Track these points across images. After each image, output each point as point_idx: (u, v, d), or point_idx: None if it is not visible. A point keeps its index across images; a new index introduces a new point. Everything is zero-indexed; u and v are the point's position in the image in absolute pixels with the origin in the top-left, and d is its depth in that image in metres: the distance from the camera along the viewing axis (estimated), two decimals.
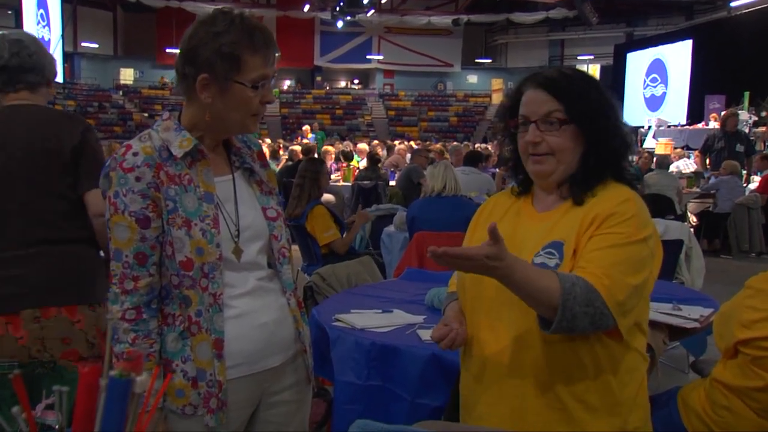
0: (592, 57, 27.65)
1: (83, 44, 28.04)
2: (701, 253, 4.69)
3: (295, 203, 4.48)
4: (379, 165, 9.14)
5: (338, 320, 2.33)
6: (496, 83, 31.27)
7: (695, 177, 9.27)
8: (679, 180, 8.43)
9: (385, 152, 11.94)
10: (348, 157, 10.43)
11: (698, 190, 8.82)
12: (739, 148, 9.15)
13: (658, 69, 21.08)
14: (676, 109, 19.01)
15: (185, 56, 1.42)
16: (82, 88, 28.35)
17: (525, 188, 1.59)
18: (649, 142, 13.69)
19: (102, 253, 2.05)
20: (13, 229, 1.95)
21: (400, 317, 2.41)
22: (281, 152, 11.82)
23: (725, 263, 7.48)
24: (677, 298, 2.60)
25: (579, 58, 27.87)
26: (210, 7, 1.61)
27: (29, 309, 1.89)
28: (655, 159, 9.42)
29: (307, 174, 4.50)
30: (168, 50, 24.49)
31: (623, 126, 1.52)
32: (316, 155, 8.93)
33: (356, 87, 33.19)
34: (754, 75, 14.73)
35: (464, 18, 28.05)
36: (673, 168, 9.64)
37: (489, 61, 32.57)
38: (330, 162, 10.07)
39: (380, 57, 31.57)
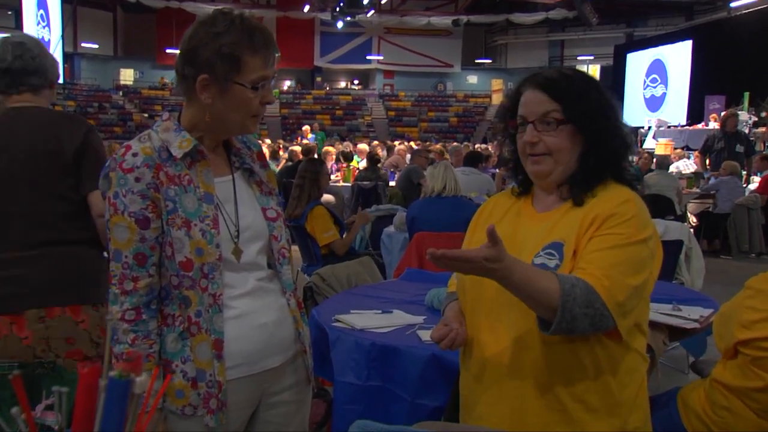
0: (592, 57, 27.67)
1: (83, 45, 28.05)
2: (701, 254, 4.69)
3: (295, 204, 4.48)
4: (379, 165, 9.14)
5: (338, 321, 2.33)
6: (496, 84, 31.28)
7: (695, 177, 9.28)
8: (679, 180, 8.43)
9: (385, 153, 11.94)
10: (348, 157, 10.43)
11: (698, 190, 8.82)
12: (739, 148, 9.15)
13: (658, 69, 21.08)
14: (676, 109, 19.01)
15: (185, 57, 1.42)
16: (82, 88, 28.35)
17: (525, 189, 1.59)
18: (649, 143, 13.70)
19: (106, 254, 2.06)
20: (16, 231, 1.96)
21: (400, 318, 2.41)
22: (281, 153, 11.82)
23: (725, 264, 7.48)
24: (677, 299, 2.61)
25: (579, 58, 27.89)
26: (210, 8, 1.61)
27: (33, 309, 1.90)
28: (655, 159, 9.42)
29: (307, 174, 4.50)
30: (168, 51, 24.50)
31: (623, 126, 1.52)
32: (316, 156, 8.93)
33: (356, 87, 33.19)
34: (754, 75, 14.72)
35: (464, 18, 28.06)
36: (673, 168, 9.64)
37: (489, 61, 32.59)
38: (331, 162, 10.07)
39: (380, 57, 31.58)
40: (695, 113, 16.13)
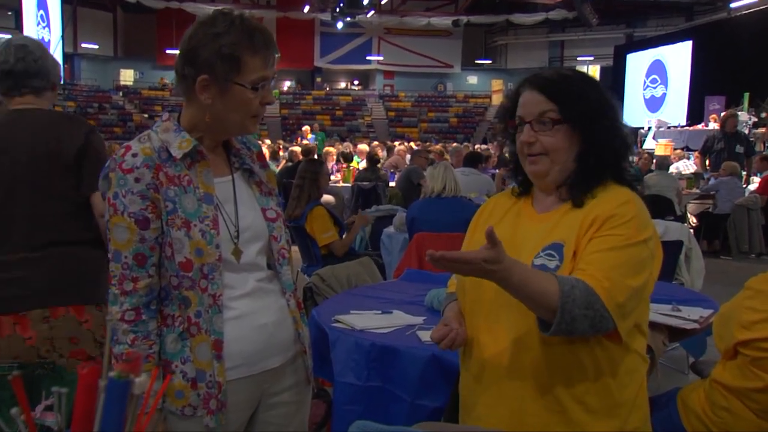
0: (591, 58, 27.67)
1: (83, 45, 28.05)
2: (701, 254, 4.69)
3: (295, 204, 4.48)
4: (379, 166, 9.14)
5: (338, 321, 2.33)
6: (496, 84, 31.29)
7: (695, 178, 9.28)
8: (679, 181, 8.44)
9: (385, 153, 11.93)
10: (347, 158, 10.43)
11: (698, 191, 8.83)
12: (739, 149, 9.16)
13: (658, 70, 21.08)
14: (675, 110, 19.00)
15: (185, 57, 1.42)
16: (82, 89, 28.34)
17: (525, 189, 1.59)
18: (649, 143, 13.70)
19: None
20: (18, 233, 1.97)
21: (399, 318, 2.41)
22: (281, 153, 11.83)
23: (725, 264, 7.48)
24: (677, 299, 2.61)
25: (579, 59, 27.89)
26: (210, 8, 1.62)
27: (38, 309, 1.91)
28: (654, 160, 9.43)
29: (307, 175, 4.51)
30: (168, 51, 24.50)
31: (623, 127, 1.52)
32: (316, 156, 8.93)
33: (356, 88, 33.19)
34: (754, 76, 14.72)
35: (464, 19, 28.05)
36: (672, 169, 9.65)
37: (489, 62, 32.59)
38: (331, 163, 10.07)
39: (380, 58, 31.58)
40: (695, 114, 16.13)
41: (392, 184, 8.50)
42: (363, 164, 9.53)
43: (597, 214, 1.40)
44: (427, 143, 16.48)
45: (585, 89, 1.47)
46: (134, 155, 1.40)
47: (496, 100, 30.36)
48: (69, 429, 0.84)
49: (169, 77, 27.68)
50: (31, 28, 19.30)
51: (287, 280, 1.58)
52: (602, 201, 1.43)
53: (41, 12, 20.96)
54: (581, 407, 1.40)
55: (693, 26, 22.23)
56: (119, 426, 0.82)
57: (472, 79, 33.13)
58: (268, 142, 14.55)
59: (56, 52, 19.27)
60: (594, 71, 25.34)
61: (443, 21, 28.27)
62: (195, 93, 1.42)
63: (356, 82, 33.52)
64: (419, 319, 2.38)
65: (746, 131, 11.11)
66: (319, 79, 32.48)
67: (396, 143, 14.18)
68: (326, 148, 11.54)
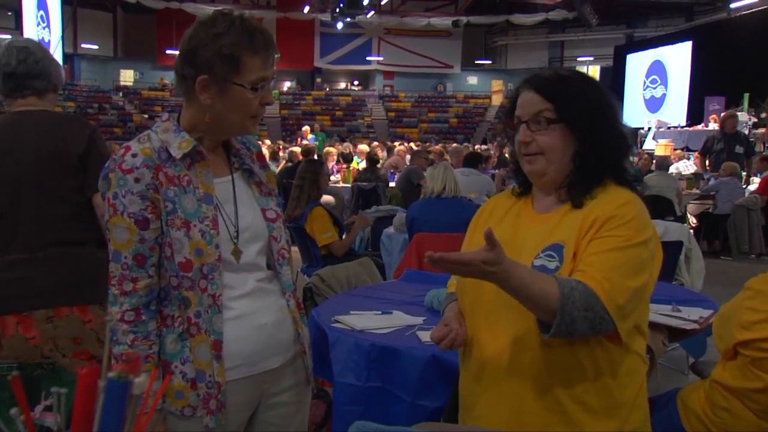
0: (591, 58, 27.68)
1: (83, 45, 28.06)
2: (701, 255, 4.69)
3: (295, 204, 4.48)
4: (379, 166, 9.14)
5: (338, 321, 2.33)
6: (496, 84, 31.30)
7: (695, 178, 9.28)
8: (679, 181, 8.44)
9: (384, 153, 11.94)
10: (347, 158, 10.43)
11: (698, 191, 8.83)
12: (739, 149, 9.16)
13: (657, 70, 21.09)
14: (675, 110, 19.01)
15: (185, 57, 1.42)
16: (82, 89, 28.36)
17: (525, 189, 1.59)
18: (649, 144, 13.70)
19: None
20: (23, 234, 1.98)
21: (399, 318, 2.41)
22: (281, 153, 11.83)
23: (725, 264, 7.48)
24: (677, 300, 2.60)
25: (579, 59, 27.91)
26: (210, 9, 1.62)
27: (42, 309, 1.92)
28: (654, 160, 9.43)
29: (307, 175, 4.51)
30: (168, 51, 24.52)
31: (622, 127, 1.52)
32: (316, 156, 8.93)
33: (356, 88, 33.21)
34: (754, 76, 14.73)
35: (464, 19, 28.07)
36: (672, 169, 9.65)
37: (489, 62, 32.61)
38: (331, 163, 10.07)
39: (380, 58, 31.60)
40: (695, 114, 16.13)
41: (392, 184, 8.50)
42: (363, 165, 9.53)
43: (597, 215, 1.40)
44: (427, 144, 16.48)
45: (583, 89, 1.48)
46: (134, 155, 1.40)
47: (496, 100, 30.40)
48: (68, 429, 0.84)
49: (169, 78, 27.69)
50: (31, 29, 19.31)
51: (287, 281, 1.58)
52: (602, 202, 1.43)
53: (41, 12, 20.96)
54: (581, 407, 1.40)
55: (693, 26, 22.25)
56: (119, 426, 0.82)
57: (472, 80, 33.14)
58: (268, 142, 14.54)
59: (56, 53, 19.26)
60: (594, 72, 25.35)
61: (443, 21, 28.28)
62: (195, 93, 1.42)
63: (356, 83, 33.53)
64: (419, 320, 2.38)
65: (746, 132, 11.11)
66: (319, 80, 32.50)
67: (396, 144, 14.18)
68: (326, 148, 11.54)
